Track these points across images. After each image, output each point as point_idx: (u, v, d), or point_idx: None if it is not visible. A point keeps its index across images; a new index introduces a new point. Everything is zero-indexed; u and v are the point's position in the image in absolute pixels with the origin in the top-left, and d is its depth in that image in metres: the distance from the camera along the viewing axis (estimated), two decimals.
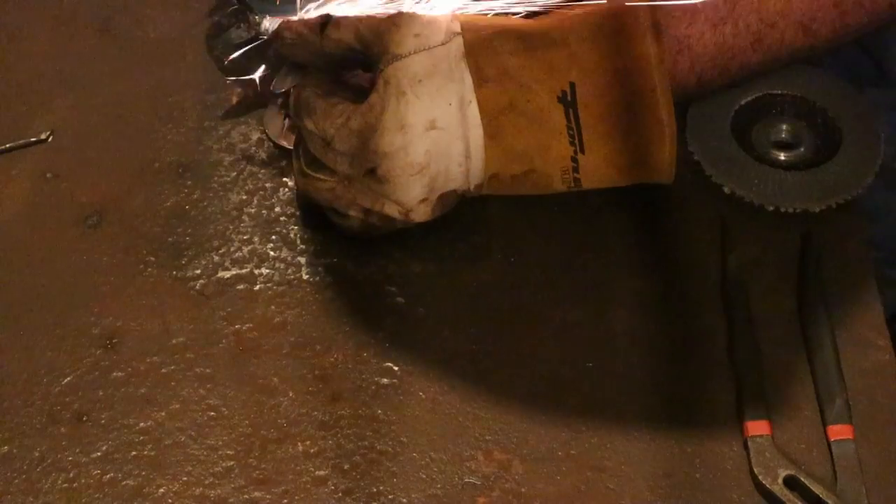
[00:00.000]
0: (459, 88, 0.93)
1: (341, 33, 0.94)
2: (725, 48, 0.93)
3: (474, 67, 0.93)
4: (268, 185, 1.06)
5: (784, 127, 1.07)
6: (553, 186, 0.96)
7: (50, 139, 1.08)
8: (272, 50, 1.01)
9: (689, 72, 0.94)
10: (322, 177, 0.96)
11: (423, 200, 0.95)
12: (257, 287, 1.00)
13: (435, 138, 0.93)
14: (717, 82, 0.97)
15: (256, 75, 1.05)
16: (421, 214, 0.96)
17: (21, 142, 1.08)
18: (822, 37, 0.92)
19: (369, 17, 0.94)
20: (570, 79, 0.93)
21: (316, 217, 1.02)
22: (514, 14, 0.96)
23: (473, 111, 0.93)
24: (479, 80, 0.93)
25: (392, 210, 0.95)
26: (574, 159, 0.94)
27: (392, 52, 0.92)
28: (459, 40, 0.93)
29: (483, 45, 0.93)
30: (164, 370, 0.95)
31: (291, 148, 1.02)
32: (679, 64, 0.93)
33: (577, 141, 0.93)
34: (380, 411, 0.94)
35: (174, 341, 0.97)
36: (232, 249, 1.02)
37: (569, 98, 0.93)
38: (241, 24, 1.08)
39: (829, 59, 1.11)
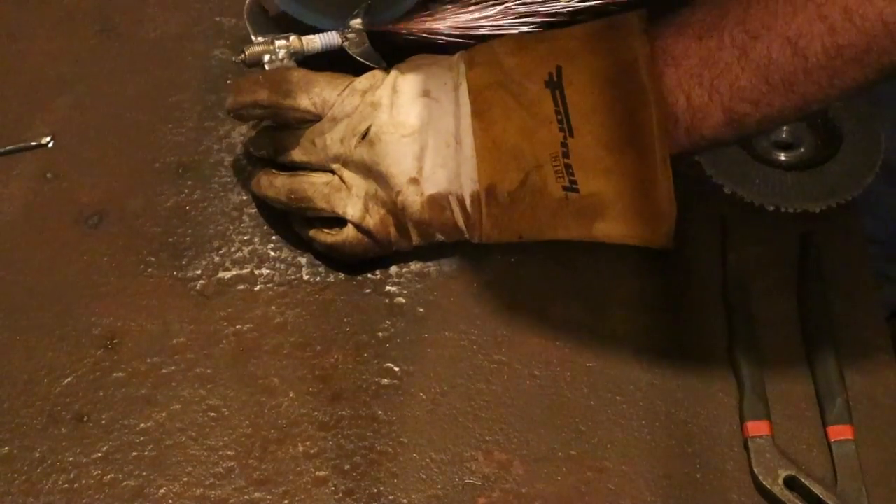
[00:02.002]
0: (455, 76, 0.97)
1: None
2: (711, 62, 0.90)
3: (468, 59, 0.97)
4: None
5: (784, 127, 1.07)
6: (549, 190, 0.94)
7: (51, 144, 1.08)
8: None
9: (678, 88, 0.91)
10: (313, 179, 0.98)
11: (414, 181, 0.95)
12: (257, 287, 1.00)
13: (427, 104, 0.96)
14: (710, 111, 0.92)
15: None
16: (411, 202, 0.96)
17: (22, 145, 1.08)
18: (813, 58, 0.87)
19: None
20: (558, 63, 0.94)
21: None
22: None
23: (464, 93, 0.96)
24: (471, 66, 0.97)
25: (384, 194, 0.96)
26: (564, 144, 0.94)
27: None
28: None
29: (481, 46, 0.98)
30: (164, 370, 0.96)
31: None
32: (666, 77, 0.92)
33: (566, 125, 0.93)
34: (380, 412, 0.94)
35: (174, 342, 0.97)
36: (232, 250, 1.02)
37: (555, 79, 0.94)
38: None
39: None
